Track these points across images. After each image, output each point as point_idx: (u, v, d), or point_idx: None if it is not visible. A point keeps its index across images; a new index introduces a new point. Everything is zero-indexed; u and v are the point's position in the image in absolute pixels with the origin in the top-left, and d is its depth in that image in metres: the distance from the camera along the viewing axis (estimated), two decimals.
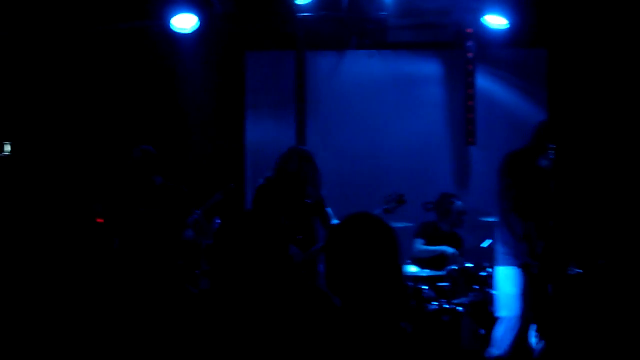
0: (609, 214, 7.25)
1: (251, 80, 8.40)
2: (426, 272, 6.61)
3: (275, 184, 5.96)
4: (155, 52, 7.88)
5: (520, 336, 5.53)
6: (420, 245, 6.97)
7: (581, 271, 5.88)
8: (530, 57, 8.38)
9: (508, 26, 7.68)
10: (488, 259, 6.49)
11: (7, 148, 7.20)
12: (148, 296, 5.46)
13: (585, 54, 7.89)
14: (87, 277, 6.14)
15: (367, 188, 7.72)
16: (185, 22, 7.45)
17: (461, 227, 7.17)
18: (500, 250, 5.71)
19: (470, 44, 8.07)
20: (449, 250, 6.88)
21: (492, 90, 8.34)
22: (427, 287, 6.49)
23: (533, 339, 5.70)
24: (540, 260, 5.54)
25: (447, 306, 6.29)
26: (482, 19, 7.75)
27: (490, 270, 6.39)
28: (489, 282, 6.40)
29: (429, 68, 8.43)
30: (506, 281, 5.63)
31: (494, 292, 6.27)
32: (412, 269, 6.68)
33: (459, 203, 7.13)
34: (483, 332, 6.31)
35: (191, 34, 7.53)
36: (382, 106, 8.33)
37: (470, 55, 8.08)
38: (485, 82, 8.28)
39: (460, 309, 6.25)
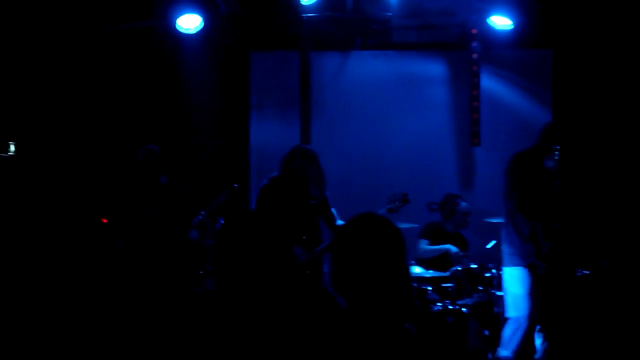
0: (614, 214, 7.24)
1: (256, 80, 8.41)
2: (430, 273, 6.60)
3: (278, 184, 5.96)
4: (160, 53, 7.89)
5: (527, 336, 5.53)
6: (424, 246, 6.97)
7: (588, 272, 5.88)
8: (535, 58, 8.37)
9: (513, 27, 7.68)
10: (492, 259, 6.48)
11: (12, 148, 7.20)
12: (152, 296, 5.46)
13: (590, 54, 7.88)
14: (91, 277, 6.14)
15: (371, 188, 7.72)
16: (189, 23, 7.46)
17: (466, 228, 7.17)
18: (506, 250, 5.70)
19: (475, 44, 8.06)
20: (453, 248, 6.88)
21: (497, 90, 8.33)
22: (431, 289, 6.48)
23: (537, 339, 5.69)
24: (546, 261, 5.54)
25: (451, 307, 6.28)
26: (487, 20, 7.75)
27: (495, 271, 6.38)
28: (493, 282, 6.39)
29: (433, 69, 8.43)
30: (513, 281, 5.62)
31: (498, 293, 6.27)
32: (417, 269, 6.67)
33: (463, 204, 7.12)
34: (487, 333, 6.31)
35: (196, 34, 7.54)
36: (387, 107, 8.32)
37: (475, 55, 8.07)
38: (490, 83, 8.28)
39: (465, 309, 6.24)
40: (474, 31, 8.02)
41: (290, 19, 7.87)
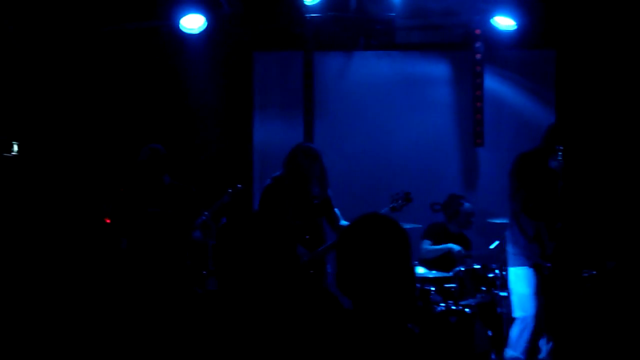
0: (617, 215, 7.24)
1: (259, 80, 8.40)
2: (433, 274, 6.60)
3: (281, 183, 5.96)
4: (163, 53, 7.89)
5: (534, 336, 5.54)
6: (426, 246, 6.97)
7: (594, 272, 5.88)
8: (539, 58, 8.36)
9: (516, 27, 7.68)
10: (496, 260, 6.48)
11: (15, 148, 7.20)
12: (155, 296, 5.46)
13: (593, 54, 7.86)
14: (95, 277, 6.15)
15: (374, 188, 7.71)
16: (193, 23, 7.47)
17: (469, 229, 7.16)
18: (511, 250, 5.71)
19: (478, 45, 8.05)
20: (455, 247, 6.87)
21: (500, 91, 8.32)
22: (434, 289, 6.48)
23: (542, 339, 5.69)
24: (551, 262, 5.54)
25: (455, 307, 6.28)
26: (490, 20, 7.75)
27: (498, 271, 6.38)
28: (496, 283, 6.39)
29: (436, 69, 8.42)
30: (519, 281, 5.63)
31: (501, 293, 6.26)
32: (420, 270, 6.67)
33: (467, 204, 7.12)
34: (491, 333, 6.31)
35: (199, 34, 7.55)
36: (390, 107, 8.31)
37: (478, 56, 8.06)
38: (493, 83, 8.27)
39: (468, 310, 6.24)
40: (478, 32, 8.02)
41: (294, 19, 7.87)
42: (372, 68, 8.37)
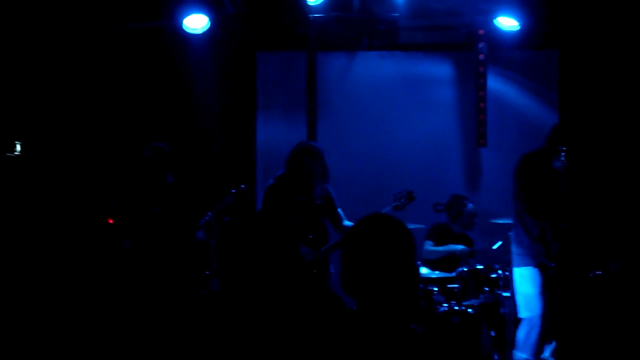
0: (620, 215, 7.23)
1: (262, 80, 8.40)
2: (436, 274, 6.60)
3: (284, 183, 5.97)
4: (166, 53, 7.89)
5: (541, 336, 5.54)
6: (428, 247, 6.97)
7: (599, 273, 5.88)
8: (542, 59, 8.35)
9: (519, 28, 7.67)
10: (499, 260, 6.48)
11: (18, 147, 7.21)
12: (158, 296, 5.46)
13: (596, 55, 7.86)
14: (97, 277, 6.15)
15: (377, 189, 7.71)
16: (196, 23, 7.47)
17: (472, 229, 7.16)
18: (515, 251, 5.71)
19: (481, 45, 8.05)
20: (458, 247, 6.87)
21: (503, 91, 8.32)
22: (436, 289, 6.48)
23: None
24: (555, 262, 5.54)
25: (457, 308, 6.27)
26: (493, 21, 7.75)
27: (501, 272, 6.37)
28: (499, 283, 6.39)
29: (440, 69, 8.41)
30: (524, 282, 5.63)
31: (504, 294, 6.26)
32: (423, 270, 6.67)
33: (470, 205, 7.11)
34: (494, 334, 6.30)
35: (202, 34, 7.55)
36: (393, 107, 8.31)
37: (481, 56, 8.05)
38: (496, 84, 8.26)
39: (471, 310, 6.24)
40: (481, 32, 8.01)
41: (297, 19, 7.86)
42: (375, 68, 8.37)
